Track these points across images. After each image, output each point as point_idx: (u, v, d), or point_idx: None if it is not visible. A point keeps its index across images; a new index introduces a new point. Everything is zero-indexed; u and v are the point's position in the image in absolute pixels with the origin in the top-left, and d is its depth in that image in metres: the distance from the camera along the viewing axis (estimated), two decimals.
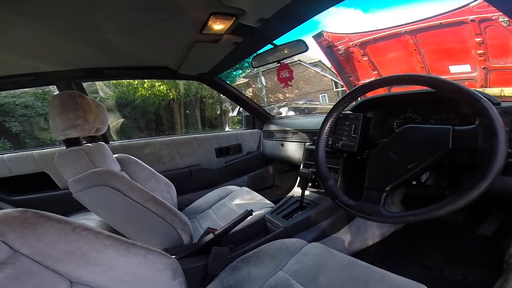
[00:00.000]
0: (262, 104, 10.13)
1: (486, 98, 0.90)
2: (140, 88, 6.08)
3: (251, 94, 16.00)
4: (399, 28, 3.04)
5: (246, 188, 1.66)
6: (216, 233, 1.04)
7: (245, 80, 15.88)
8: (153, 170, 1.44)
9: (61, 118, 0.95)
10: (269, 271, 0.82)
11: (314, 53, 14.67)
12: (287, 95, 15.95)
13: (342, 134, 1.10)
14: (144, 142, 1.82)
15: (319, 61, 15.12)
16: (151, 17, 0.93)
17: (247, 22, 1.01)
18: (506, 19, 2.40)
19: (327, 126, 0.97)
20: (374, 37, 3.28)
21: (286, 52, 1.31)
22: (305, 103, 10.76)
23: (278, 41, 1.30)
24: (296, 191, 1.46)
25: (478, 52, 2.73)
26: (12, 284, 0.42)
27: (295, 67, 15.63)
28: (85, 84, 1.62)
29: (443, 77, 0.75)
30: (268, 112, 2.33)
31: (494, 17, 2.46)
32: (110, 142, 1.73)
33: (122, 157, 1.37)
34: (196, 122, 7.51)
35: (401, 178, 0.76)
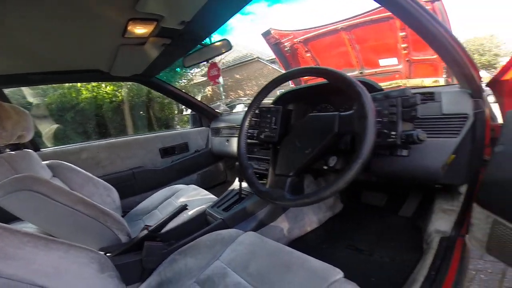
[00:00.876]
0: (219, 102, 10.09)
1: (369, 84, 1.02)
2: (83, 91, 5.71)
3: (211, 92, 15.84)
4: (336, 25, 3.27)
5: (193, 186, 1.70)
6: (149, 229, 1.08)
7: (204, 78, 15.68)
8: (90, 174, 1.44)
9: None
10: (206, 261, 0.87)
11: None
12: (247, 91, 16.10)
13: (265, 126, 1.16)
14: (80, 147, 1.79)
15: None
16: (70, 25, 0.96)
17: (170, 26, 1.07)
18: None
19: (247, 121, 1.05)
20: (314, 34, 3.48)
21: (212, 52, 1.39)
22: (248, 99, 10.92)
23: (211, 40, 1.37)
24: (237, 184, 1.52)
25: (402, 45, 3.03)
26: None
27: (254, 64, 15.79)
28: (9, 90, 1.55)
29: (329, 67, 0.84)
30: (214, 109, 2.39)
31: None
32: (42, 150, 1.68)
33: (54, 163, 1.35)
34: (150, 124, 7.27)
35: (302, 162, 0.84)
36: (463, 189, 1.04)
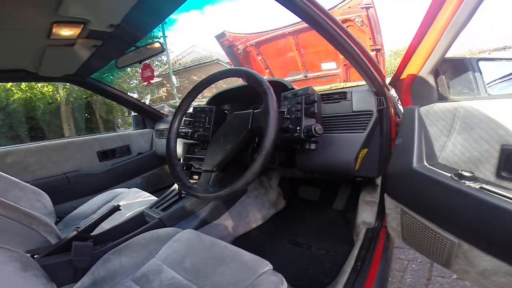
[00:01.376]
0: (163, 103, 9.79)
1: (281, 83, 1.11)
2: (15, 91, 5.20)
3: (166, 93, 15.40)
4: (285, 29, 3.43)
5: (135, 189, 1.69)
6: (79, 230, 1.07)
7: (158, 79, 15.19)
8: (15, 179, 1.37)
9: None
10: (142, 260, 0.88)
11: None
12: (206, 93, 15.93)
13: (199, 126, 1.22)
14: (5, 150, 1.69)
15: None
16: None
17: (98, 28, 1.08)
18: (361, 19, 2.94)
19: (176, 121, 1.08)
20: (266, 38, 3.62)
21: (144, 53, 1.43)
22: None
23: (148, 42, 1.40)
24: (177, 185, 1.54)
25: None
26: None
27: (213, 66, 15.67)
28: None
29: (242, 67, 0.93)
30: (159, 111, 2.38)
31: (352, 18, 2.97)
32: None
33: None
34: (97, 127, 6.86)
35: (221, 158, 0.90)
36: (379, 181, 1.15)
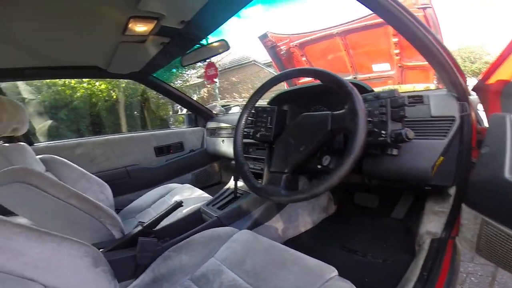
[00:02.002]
0: (214, 102, 10.09)
1: (361, 86, 1.03)
2: (78, 88, 5.67)
3: (207, 94, 15.81)
4: (331, 30, 3.29)
5: (188, 185, 1.70)
6: (144, 225, 1.07)
7: (199, 80, 15.66)
8: (83, 170, 1.43)
9: None
10: (201, 259, 0.86)
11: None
12: (243, 94, 16.11)
13: (261, 126, 1.19)
14: (76, 142, 1.78)
15: (272, 61, 15.51)
16: (71, 22, 0.97)
17: (170, 25, 1.08)
18: None
19: (243, 119, 1.06)
20: (310, 38, 3.50)
21: (210, 52, 1.40)
22: (243, 101, 10.92)
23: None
24: (232, 183, 1.53)
25: (395, 51, 3.06)
26: None
27: (250, 67, 15.82)
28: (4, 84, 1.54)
29: (321, 68, 0.87)
30: (210, 110, 2.39)
31: None
32: (35, 144, 1.66)
33: (47, 157, 1.34)
34: (145, 124, 7.23)
35: (296, 159, 0.87)
36: (452, 191, 1.05)
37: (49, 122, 4.73)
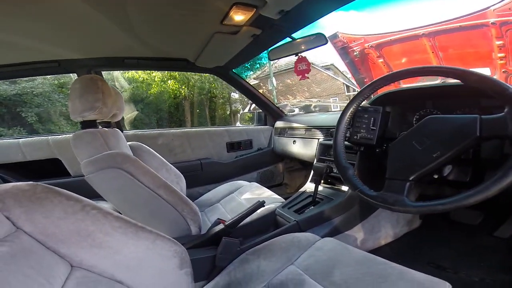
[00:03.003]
0: (286, 101, 10.10)
1: None
2: (153, 85, 6.19)
3: None
4: (416, 30, 3.03)
5: (256, 184, 1.66)
6: (226, 224, 1.03)
7: (256, 81, 15.94)
8: (164, 160, 1.46)
9: (80, 100, 0.97)
10: (280, 265, 0.80)
11: (327, 56, 14.62)
12: (298, 98, 15.89)
13: (361, 127, 1.08)
14: (158, 132, 1.85)
15: (332, 64, 15.00)
16: (175, 8, 0.95)
17: (267, 14, 1.02)
18: None
19: (346, 117, 0.98)
20: (390, 39, 3.27)
21: (304, 45, 1.31)
22: (318, 101, 10.66)
23: (296, 35, 1.30)
24: (308, 186, 1.46)
25: (499, 55, 2.68)
26: (6, 263, 0.39)
27: None
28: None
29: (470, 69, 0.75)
30: (280, 109, 2.33)
31: None
32: (124, 131, 1.76)
33: (135, 145, 1.40)
34: (206, 121, 7.59)
35: (427, 166, 0.75)
36: None
37: (134, 113, 5.24)
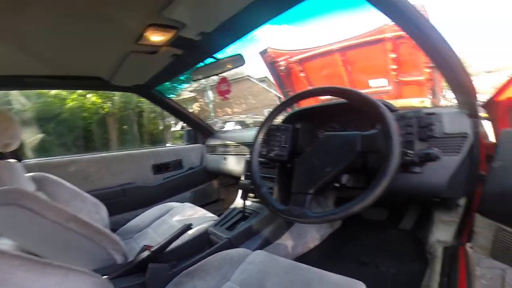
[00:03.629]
0: (209, 119, 10.05)
1: (385, 105, 1.08)
2: (69, 100, 5.49)
3: (199, 108, 15.80)
4: (330, 46, 3.39)
5: (189, 204, 1.64)
6: (152, 250, 1.01)
7: (192, 94, 15.66)
8: (77, 189, 1.32)
9: None
10: (215, 283, 0.82)
11: (262, 69, 15.37)
12: (235, 109, 16.17)
13: (275, 145, 1.17)
14: (68, 159, 1.67)
15: (266, 77, 15.79)
16: (83, 24, 0.89)
17: (187, 35, 1.03)
18: None
19: (260, 137, 1.05)
20: (310, 54, 3.59)
21: (224, 66, 1.36)
22: (250, 117, 11.03)
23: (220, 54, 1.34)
24: (239, 202, 1.50)
25: (392, 67, 3.16)
26: None
27: (244, 82, 16.01)
28: None
29: (352, 88, 0.88)
30: (211, 126, 2.34)
31: (405, 34, 2.92)
32: (24, 161, 1.53)
33: (38, 176, 1.23)
34: (134, 138, 7.05)
35: (322, 180, 0.84)
36: (462, 201, 1.10)
37: (39, 136, 4.53)
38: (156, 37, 1.01)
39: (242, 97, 15.84)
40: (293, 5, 0.93)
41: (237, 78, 16.26)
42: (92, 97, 5.84)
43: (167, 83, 8.49)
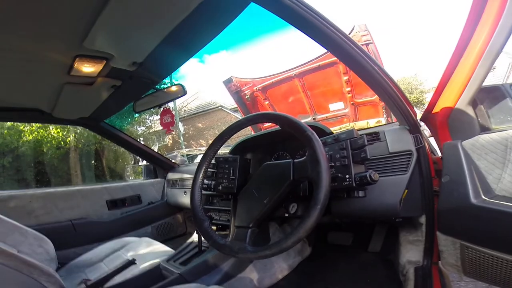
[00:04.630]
0: (175, 152, 9.84)
1: (318, 128, 1.05)
2: (26, 132, 5.21)
3: (171, 141, 15.62)
4: (289, 72, 3.50)
5: (146, 238, 1.61)
6: (88, 284, 0.99)
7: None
8: (16, 223, 1.27)
9: None
10: None
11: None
12: (209, 141, 16.06)
13: (223, 177, 1.14)
14: (8, 195, 1.60)
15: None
16: (12, 57, 0.91)
17: (120, 66, 1.05)
18: None
19: (202, 171, 1.02)
20: (272, 82, 3.70)
21: (166, 97, 1.39)
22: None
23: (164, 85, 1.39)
24: (196, 236, 1.47)
25: (347, 89, 3.27)
26: None
27: (217, 113, 16.12)
28: None
29: (281, 113, 0.88)
30: (171, 160, 2.33)
31: None
32: None
33: None
34: (103, 174, 6.78)
35: (260, 212, 0.84)
36: (423, 219, 1.08)
37: None
38: (87, 68, 1.03)
39: (216, 127, 15.93)
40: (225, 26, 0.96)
41: (210, 109, 16.44)
42: (51, 131, 5.61)
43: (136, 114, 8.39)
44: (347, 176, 0.84)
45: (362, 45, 2.92)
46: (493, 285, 0.92)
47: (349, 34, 2.98)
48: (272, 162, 0.94)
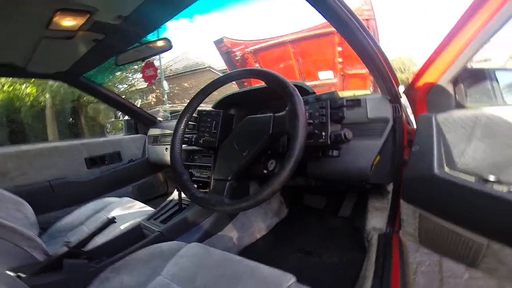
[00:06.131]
0: (165, 107, 9.53)
1: (302, 88, 1.07)
2: None
3: (155, 99, 15.23)
4: (283, 38, 3.48)
5: (127, 198, 1.63)
6: (70, 246, 1.00)
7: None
8: None
9: None
10: (146, 278, 0.82)
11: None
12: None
13: (204, 131, 1.15)
14: None
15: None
16: None
17: (104, 20, 1.01)
18: None
19: (183, 123, 1.03)
20: (264, 45, 3.66)
21: (150, 51, 1.35)
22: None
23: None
24: (176, 194, 1.49)
25: (339, 60, 3.33)
26: None
27: (204, 74, 15.66)
28: None
29: (266, 69, 0.90)
30: (152, 115, 2.29)
31: None
32: None
33: None
34: (82, 132, 6.64)
35: (239, 166, 0.86)
36: (390, 187, 1.16)
37: None
38: (68, 22, 0.99)
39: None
40: None
41: (198, 69, 15.94)
42: (26, 88, 5.35)
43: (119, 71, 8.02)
44: (323, 134, 0.88)
45: (363, 19, 2.90)
46: (444, 257, 1.00)
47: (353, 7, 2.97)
48: (253, 116, 0.96)
